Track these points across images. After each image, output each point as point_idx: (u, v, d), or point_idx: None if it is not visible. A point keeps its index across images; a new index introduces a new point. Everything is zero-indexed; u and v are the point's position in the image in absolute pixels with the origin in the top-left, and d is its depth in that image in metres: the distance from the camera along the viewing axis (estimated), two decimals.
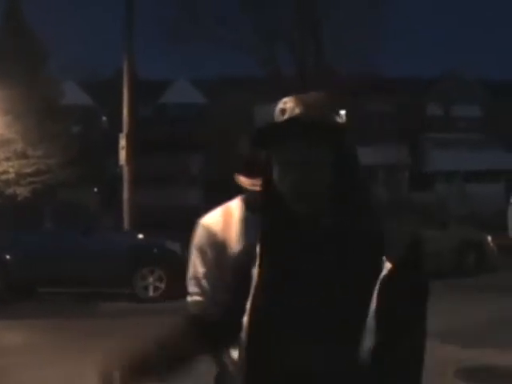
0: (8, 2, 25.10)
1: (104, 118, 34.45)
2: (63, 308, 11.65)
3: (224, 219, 2.68)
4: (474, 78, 36.86)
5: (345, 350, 1.62)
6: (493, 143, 34.52)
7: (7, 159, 23.18)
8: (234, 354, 1.91)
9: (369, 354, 1.61)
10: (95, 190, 29.30)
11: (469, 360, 7.38)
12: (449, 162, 32.88)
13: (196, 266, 2.73)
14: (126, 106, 16.32)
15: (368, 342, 1.60)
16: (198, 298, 2.71)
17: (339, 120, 1.72)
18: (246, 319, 1.73)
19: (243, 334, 1.74)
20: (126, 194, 16.00)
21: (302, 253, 1.68)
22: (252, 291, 1.72)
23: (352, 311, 1.62)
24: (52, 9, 57.13)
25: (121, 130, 16.32)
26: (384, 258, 1.63)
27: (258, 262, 1.73)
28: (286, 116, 1.70)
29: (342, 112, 1.82)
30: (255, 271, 1.73)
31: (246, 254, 1.79)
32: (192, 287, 2.66)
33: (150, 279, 12.34)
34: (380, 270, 1.63)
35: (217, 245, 2.64)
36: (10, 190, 22.82)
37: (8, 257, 12.45)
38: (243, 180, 2.64)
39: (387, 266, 1.62)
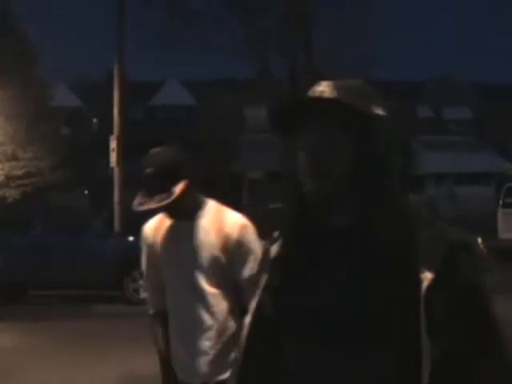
0: None
1: (95, 120, 34.39)
2: (54, 310, 11.62)
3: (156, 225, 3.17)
4: (465, 80, 37.01)
5: (359, 361, 1.51)
6: (483, 146, 34.64)
7: None
8: None
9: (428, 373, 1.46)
10: (86, 192, 29.24)
11: None
12: (440, 164, 32.96)
13: (142, 264, 3.32)
14: (116, 108, 16.29)
15: (426, 361, 1.46)
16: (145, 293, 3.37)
17: (373, 108, 1.59)
18: (248, 319, 1.70)
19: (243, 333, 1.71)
20: (116, 196, 15.97)
21: (316, 252, 1.60)
22: (259, 291, 1.67)
23: (372, 318, 1.50)
24: (42, 11, 57.04)
25: (111, 132, 16.29)
26: (420, 266, 1.50)
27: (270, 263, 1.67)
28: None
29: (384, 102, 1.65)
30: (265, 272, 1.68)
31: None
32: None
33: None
34: (412, 279, 1.49)
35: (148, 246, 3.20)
36: None
37: None
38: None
39: (427, 275, 1.49)
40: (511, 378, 1.53)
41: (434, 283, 1.48)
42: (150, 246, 3.18)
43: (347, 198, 1.57)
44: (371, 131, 1.57)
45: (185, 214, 3.05)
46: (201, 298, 2.99)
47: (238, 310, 2.97)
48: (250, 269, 2.93)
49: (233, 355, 2.87)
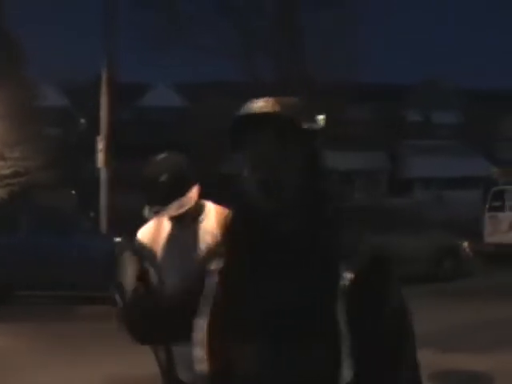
0: None
1: (82, 121, 34.27)
2: (40, 311, 11.57)
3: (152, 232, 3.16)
4: (453, 85, 37.12)
5: (296, 357, 1.59)
6: (471, 150, 34.79)
7: None
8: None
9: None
10: (73, 192, 29.13)
11: (443, 364, 7.44)
12: (427, 168, 33.07)
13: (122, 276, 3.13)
14: (103, 109, 16.26)
15: (347, 360, 1.57)
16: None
17: (313, 123, 1.71)
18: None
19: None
20: (103, 197, 15.92)
21: (264, 253, 1.68)
22: (214, 287, 1.72)
23: (308, 317, 1.59)
24: (31, 12, 56.85)
25: (99, 133, 16.26)
26: (343, 267, 1.61)
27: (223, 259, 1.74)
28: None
29: (320, 117, 1.83)
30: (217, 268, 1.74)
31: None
32: None
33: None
34: (338, 278, 1.61)
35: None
36: None
37: None
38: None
39: (347, 276, 1.60)
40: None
41: (352, 284, 1.59)
42: (146, 255, 3.08)
43: (294, 206, 1.67)
44: (313, 144, 1.71)
45: (190, 218, 3.05)
46: None
47: None
48: None
49: None
